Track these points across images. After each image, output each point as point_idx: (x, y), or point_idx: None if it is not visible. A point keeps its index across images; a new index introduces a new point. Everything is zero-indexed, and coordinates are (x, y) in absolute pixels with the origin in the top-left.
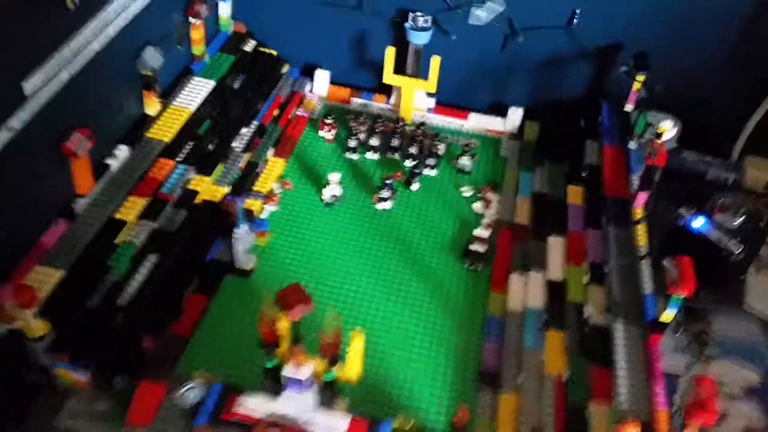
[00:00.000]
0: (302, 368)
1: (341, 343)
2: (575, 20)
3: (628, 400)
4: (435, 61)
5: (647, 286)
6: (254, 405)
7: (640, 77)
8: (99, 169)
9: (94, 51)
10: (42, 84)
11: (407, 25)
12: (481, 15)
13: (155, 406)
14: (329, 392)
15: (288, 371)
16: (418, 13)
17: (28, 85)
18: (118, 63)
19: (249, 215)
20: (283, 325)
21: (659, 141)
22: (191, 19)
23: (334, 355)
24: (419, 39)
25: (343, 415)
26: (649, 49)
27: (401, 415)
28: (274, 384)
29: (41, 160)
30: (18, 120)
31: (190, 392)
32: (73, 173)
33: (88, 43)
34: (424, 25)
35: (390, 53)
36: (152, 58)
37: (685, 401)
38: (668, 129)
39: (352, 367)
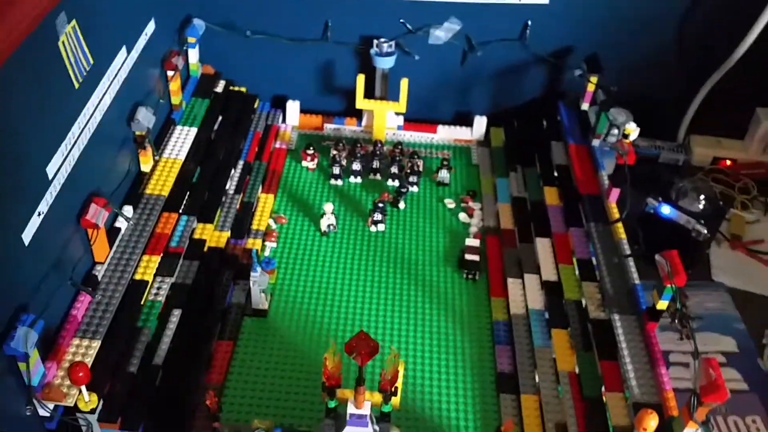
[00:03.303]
0: (364, 405)
1: (398, 379)
2: (527, 31)
3: (639, 387)
4: (404, 83)
5: (635, 277)
6: None
7: (594, 78)
8: (110, 232)
9: (96, 122)
10: (60, 164)
11: (373, 51)
12: (439, 35)
13: None
14: (385, 423)
15: (352, 408)
16: (382, 40)
17: (50, 169)
18: (115, 128)
19: (258, 256)
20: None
21: (627, 141)
22: (169, 72)
23: (392, 389)
24: (385, 63)
25: None
26: (597, 50)
27: None
28: (334, 422)
29: (64, 236)
30: (45, 203)
31: None
32: (91, 243)
33: (91, 115)
34: (389, 50)
35: (360, 80)
36: (145, 118)
37: (697, 383)
38: (634, 129)
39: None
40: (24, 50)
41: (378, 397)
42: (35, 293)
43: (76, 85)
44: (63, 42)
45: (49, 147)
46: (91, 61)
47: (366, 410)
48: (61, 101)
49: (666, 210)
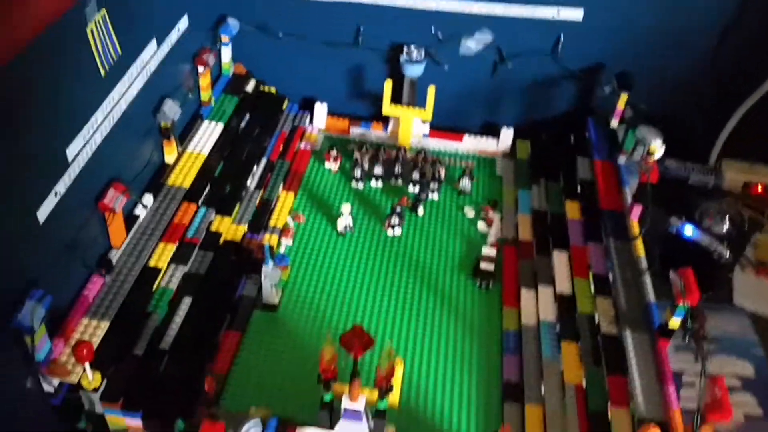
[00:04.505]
0: (358, 399)
1: (393, 375)
2: (560, 46)
3: (645, 404)
4: (431, 91)
5: (650, 295)
6: None
7: (624, 95)
8: (129, 219)
9: (121, 111)
10: (80, 148)
11: (402, 58)
12: (470, 45)
13: None
14: (380, 420)
15: (346, 402)
16: (412, 47)
17: (70, 151)
18: (141, 118)
19: (272, 251)
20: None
21: (651, 159)
22: (199, 68)
23: (387, 386)
24: (414, 71)
25: None
26: (629, 67)
27: None
28: (329, 415)
29: (81, 218)
30: (63, 185)
31: (252, 428)
32: (108, 227)
33: (116, 104)
34: (418, 58)
35: (388, 86)
36: (171, 110)
37: (702, 401)
38: (658, 148)
39: (395, 394)
40: (51, 33)
41: (375, 394)
42: (47, 271)
43: (103, 73)
44: (91, 29)
45: (70, 130)
46: (120, 51)
47: (360, 405)
48: (86, 87)
49: (689, 230)
